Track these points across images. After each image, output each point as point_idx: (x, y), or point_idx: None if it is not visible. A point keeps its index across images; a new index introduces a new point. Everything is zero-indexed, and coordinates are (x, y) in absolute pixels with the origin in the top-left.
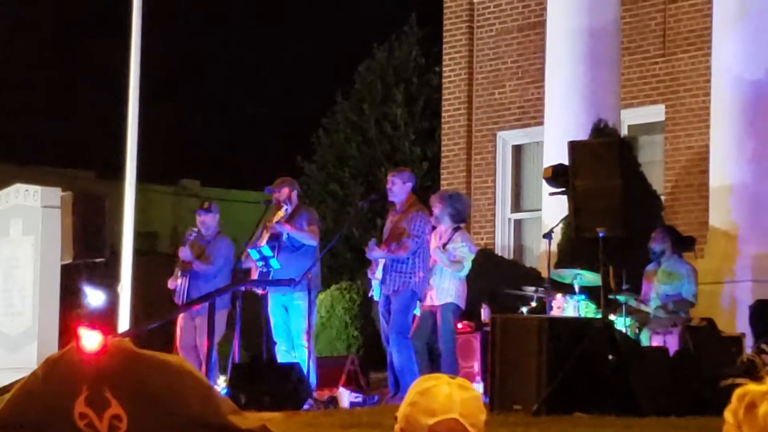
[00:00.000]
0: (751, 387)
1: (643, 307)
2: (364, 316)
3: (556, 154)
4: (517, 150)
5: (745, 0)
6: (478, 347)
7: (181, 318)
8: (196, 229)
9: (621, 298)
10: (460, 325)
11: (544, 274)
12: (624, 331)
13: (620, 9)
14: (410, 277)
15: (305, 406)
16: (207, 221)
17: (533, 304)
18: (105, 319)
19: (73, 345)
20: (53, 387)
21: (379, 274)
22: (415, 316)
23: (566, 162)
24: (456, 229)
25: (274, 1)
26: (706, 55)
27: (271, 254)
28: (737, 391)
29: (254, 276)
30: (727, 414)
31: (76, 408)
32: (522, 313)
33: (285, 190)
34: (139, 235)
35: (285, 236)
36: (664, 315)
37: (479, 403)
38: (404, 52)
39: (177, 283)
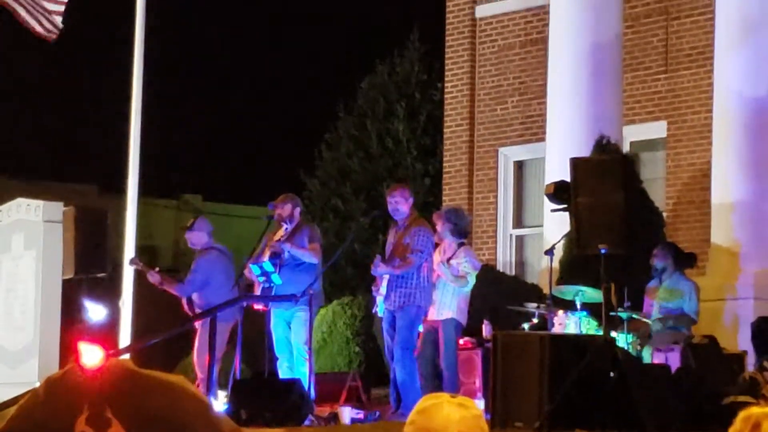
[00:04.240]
0: (755, 409)
1: (644, 319)
2: (365, 331)
3: (558, 171)
4: (519, 166)
5: (747, 17)
6: (479, 363)
7: (200, 328)
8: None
9: (623, 314)
10: (461, 341)
11: (546, 290)
12: (626, 348)
13: (622, 25)
14: (415, 293)
15: (306, 423)
16: (192, 239)
17: (535, 320)
18: (106, 335)
19: (74, 364)
20: (54, 406)
21: (383, 290)
22: (420, 332)
23: (568, 178)
24: (459, 245)
25: (277, 17)
26: (708, 72)
27: (273, 270)
28: (742, 413)
29: (257, 292)
30: None
31: (76, 427)
32: (523, 329)
33: (288, 207)
34: (140, 250)
35: (286, 253)
36: (662, 327)
37: (479, 421)
38: (406, 67)
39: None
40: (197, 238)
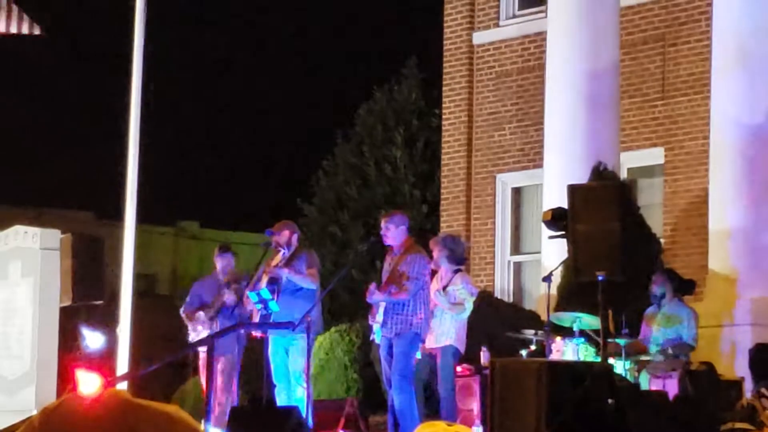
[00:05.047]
0: None
1: (642, 357)
2: (363, 358)
3: (556, 197)
4: (517, 192)
5: (743, 45)
6: (477, 390)
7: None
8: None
9: (620, 341)
10: (459, 368)
11: (544, 317)
12: (623, 374)
13: (619, 52)
14: (412, 319)
15: None
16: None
17: (532, 347)
18: (103, 362)
19: (69, 395)
20: None
21: (380, 317)
22: (417, 359)
23: (566, 205)
24: (456, 272)
25: (275, 44)
26: (705, 99)
27: (270, 297)
28: None
29: (255, 319)
30: None
31: None
32: (521, 356)
33: (285, 233)
34: (138, 277)
35: (284, 279)
36: (663, 359)
37: None
38: (404, 94)
39: (209, 324)
40: (231, 265)
